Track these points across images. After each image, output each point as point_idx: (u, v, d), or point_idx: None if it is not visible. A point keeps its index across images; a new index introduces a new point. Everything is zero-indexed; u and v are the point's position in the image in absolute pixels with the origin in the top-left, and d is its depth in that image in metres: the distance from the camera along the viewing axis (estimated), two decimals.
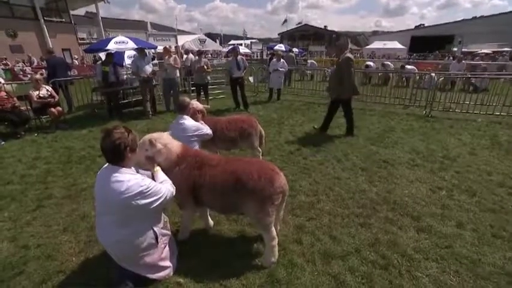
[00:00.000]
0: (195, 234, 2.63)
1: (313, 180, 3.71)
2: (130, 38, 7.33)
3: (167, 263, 2.12)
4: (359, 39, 57.97)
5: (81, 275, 2.14)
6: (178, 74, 7.38)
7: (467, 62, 14.02)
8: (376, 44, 33.69)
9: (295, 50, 20.16)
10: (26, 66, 14.24)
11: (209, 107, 8.26)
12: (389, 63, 14.38)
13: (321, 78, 12.76)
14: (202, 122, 3.45)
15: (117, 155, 1.74)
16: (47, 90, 5.84)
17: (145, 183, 1.80)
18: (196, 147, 3.22)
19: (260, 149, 4.12)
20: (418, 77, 10.46)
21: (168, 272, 2.12)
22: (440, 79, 8.00)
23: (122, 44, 7.12)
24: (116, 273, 1.99)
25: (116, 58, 7.22)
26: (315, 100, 9.11)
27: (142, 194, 1.76)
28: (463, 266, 2.22)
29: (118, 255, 1.91)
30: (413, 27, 46.36)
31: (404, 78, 12.04)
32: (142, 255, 1.94)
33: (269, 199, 2.05)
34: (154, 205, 1.83)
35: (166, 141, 2.22)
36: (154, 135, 2.19)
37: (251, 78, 11.55)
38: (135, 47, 7.33)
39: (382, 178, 3.73)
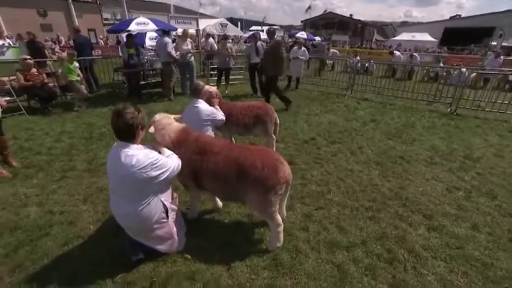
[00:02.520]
0: (204, 215, 2.73)
1: (325, 170, 3.69)
2: (151, 20, 7.38)
3: (176, 237, 2.22)
4: (386, 29, 54.89)
5: (97, 242, 2.31)
6: (192, 58, 7.37)
7: (504, 57, 12.83)
8: (404, 36, 31.75)
9: (317, 38, 19.56)
10: (55, 44, 14.80)
11: (226, 91, 8.42)
12: (416, 55, 13.37)
13: (342, 68, 12.33)
14: (218, 108, 3.47)
15: (130, 133, 1.83)
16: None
17: (154, 155, 1.88)
18: (210, 131, 3.26)
19: (274, 136, 4.12)
20: (445, 73, 9.83)
21: (177, 245, 2.22)
22: (472, 75, 7.47)
23: (143, 25, 7.19)
24: (126, 244, 2.11)
25: (137, 39, 7.32)
26: (334, 91, 8.87)
27: (152, 166, 1.83)
28: (473, 268, 2.16)
29: (132, 229, 2.02)
30: (448, 17, 43.08)
31: (432, 73, 11.34)
32: (154, 227, 2.03)
33: (272, 189, 2.04)
34: (163, 177, 1.91)
35: (164, 123, 2.27)
36: (156, 116, 2.24)
37: None
38: (156, 28, 7.39)
39: (397, 174, 3.64)
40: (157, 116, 2.31)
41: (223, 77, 8.21)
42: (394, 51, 13.14)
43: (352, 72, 8.83)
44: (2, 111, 3.37)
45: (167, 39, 6.56)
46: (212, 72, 8.92)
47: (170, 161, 1.98)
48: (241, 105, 3.99)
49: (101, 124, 5.17)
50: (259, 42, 7.59)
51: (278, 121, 4.14)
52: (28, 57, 5.49)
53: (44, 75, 5.71)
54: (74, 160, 3.73)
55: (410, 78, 10.65)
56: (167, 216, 2.10)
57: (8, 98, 5.16)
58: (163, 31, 7.02)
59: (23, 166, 3.53)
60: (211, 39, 10.95)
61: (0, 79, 5.38)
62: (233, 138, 4.43)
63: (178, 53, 6.93)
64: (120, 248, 2.19)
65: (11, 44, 11.98)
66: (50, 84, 6.14)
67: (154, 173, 1.84)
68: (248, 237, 2.44)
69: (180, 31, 7.69)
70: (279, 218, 2.22)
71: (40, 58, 6.87)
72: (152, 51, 9.61)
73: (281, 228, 2.24)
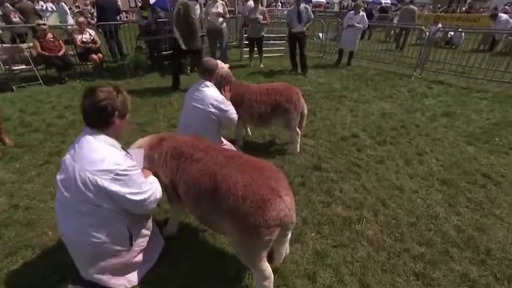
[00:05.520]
0: (184, 232, 2.28)
1: (362, 185, 2.91)
2: None
3: (133, 274, 1.83)
4: None
5: (45, 257, 2.04)
6: (224, 25, 6.76)
7: None
8: None
9: (385, 1, 17.06)
10: (94, 9, 15.52)
11: (261, 65, 7.74)
12: None
13: (415, 40, 10.41)
14: (229, 103, 2.86)
15: (100, 118, 1.51)
16: (90, 34, 6.05)
17: (126, 165, 1.51)
18: (214, 131, 2.72)
19: (299, 131, 3.42)
20: None
21: (132, 281, 1.83)
22: None
23: None
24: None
25: (160, 2, 6.96)
26: (398, 69, 7.46)
27: (114, 175, 1.46)
28: None
29: (74, 248, 1.65)
30: None
31: None
32: (106, 255, 1.63)
33: (254, 232, 1.48)
34: (132, 198, 1.52)
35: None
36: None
37: (321, 35, 10.17)
38: None
39: (474, 203, 2.66)
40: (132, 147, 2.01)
41: (256, 49, 7.54)
42: (500, 14, 10.10)
43: (427, 44, 7.21)
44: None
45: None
46: (246, 42, 8.25)
47: (147, 186, 1.62)
48: (258, 88, 3.35)
49: None
50: (302, 5, 6.56)
51: (306, 110, 3.42)
52: (42, 22, 5.56)
53: (61, 42, 5.76)
54: (66, 141, 3.60)
55: None
56: (131, 244, 1.70)
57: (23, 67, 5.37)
58: None
59: (15, 144, 3.52)
60: (250, 2, 10.12)
61: (18, 46, 5.60)
62: (249, 130, 3.87)
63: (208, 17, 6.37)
64: (67, 269, 1.88)
65: (54, 8, 12.83)
66: (71, 52, 6.25)
67: (113, 187, 1.46)
68: (229, 277, 1.93)
69: None
70: (266, 269, 1.63)
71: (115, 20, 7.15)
72: None
73: (269, 283, 1.66)
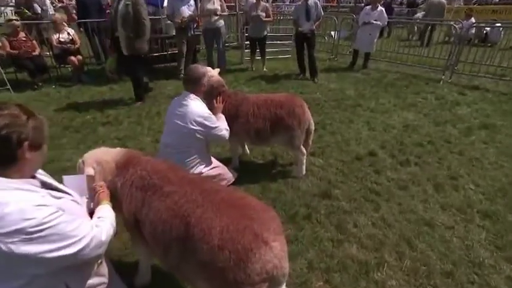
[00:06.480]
0: (161, 279, 2.07)
1: (381, 217, 2.68)
2: None
3: None
4: None
5: None
6: (222, 23, 6.73)
7: None
8: None
9: None
10: None
11: (264, 69, 7.64)
12: None
13: (443, 37, 10.21)
14: (221, 116, 2.75)
15: (2, 153, 1.18)
16: (69, 33, 6.01)
17: (41, 217, 1.16)
18: (200, 151, 2.59)
19: (305, 150, 3.22)
20: None
21: None
22: None
23: None
24: None
25: None
26: (423, 72, 7.27)
27: (24, 235, 1.13)
28: None
29: None
30: None
31: None
32: None
33: None
34: (59, 254, 1.20)
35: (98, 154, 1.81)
36: (85, 155, 1.81)
37: (333, 34, 10.10)
38: None
39: None
40: (86, 154, 1.83)
41: (258, 50, 7.55)
42: None
43: (457, 42, 7.00)
44: None
45: None
46: (247, 43, 8.21)
47: (85, 228, 1.30)
48: (255, 99, 3.19)
49: (88, 108, 4.97)
50: (311, 0, 6.45)
51: (312, 126, 3.23)
52: (14, 18, 5.54)
53: (35, 42, 5.73)
54: None
55: None
56: None
57: None
58: None
59: None
60: None
61: None
62: (246, 147, 3.69)
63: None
64: None
65: None
66: (46, 53, 6.21)
67: (25, 249, 1.15)
68: None
69: None
70: None
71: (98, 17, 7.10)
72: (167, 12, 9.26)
73: None
